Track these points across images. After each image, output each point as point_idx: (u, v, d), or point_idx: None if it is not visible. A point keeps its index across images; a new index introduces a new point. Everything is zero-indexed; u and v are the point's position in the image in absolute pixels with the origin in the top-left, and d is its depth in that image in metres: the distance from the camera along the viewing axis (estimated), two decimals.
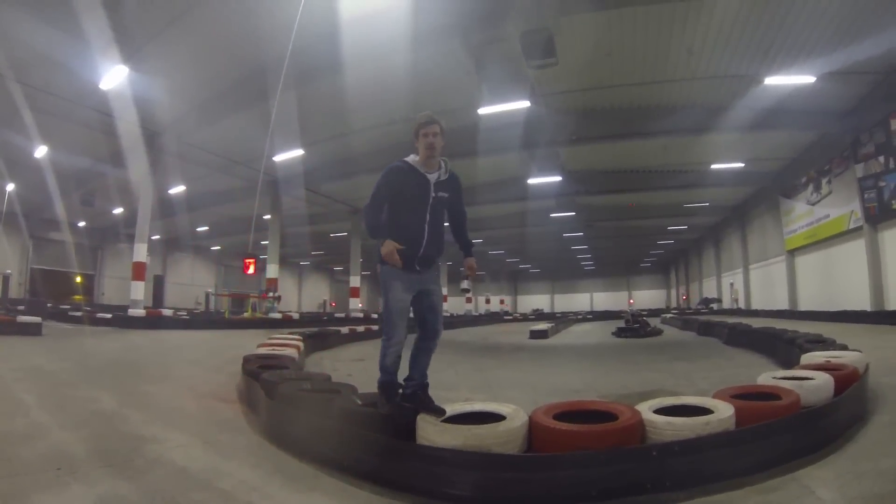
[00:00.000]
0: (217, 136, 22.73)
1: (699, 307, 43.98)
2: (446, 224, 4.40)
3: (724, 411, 3.75)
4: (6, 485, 3.50)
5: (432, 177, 4.12)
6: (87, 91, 17.97)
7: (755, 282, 37.66)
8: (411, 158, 4.15)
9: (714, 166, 26.30)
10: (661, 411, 3.86)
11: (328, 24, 14.32)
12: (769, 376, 5.09)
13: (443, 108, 18.85)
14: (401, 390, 4.22)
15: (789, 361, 7.86)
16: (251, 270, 29.49)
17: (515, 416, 3.82)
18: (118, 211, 35.93)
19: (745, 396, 4.20)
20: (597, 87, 18.48)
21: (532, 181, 26.41)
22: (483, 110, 17.71)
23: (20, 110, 19.56)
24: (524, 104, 17.16)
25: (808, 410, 4.16)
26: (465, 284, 4.48)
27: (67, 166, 27.38)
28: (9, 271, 37.25)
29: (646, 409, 3.87)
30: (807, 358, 6.38)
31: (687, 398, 4.27)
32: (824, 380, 4.65)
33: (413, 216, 4.11)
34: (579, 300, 72.02)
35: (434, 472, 3.52)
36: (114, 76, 16.27)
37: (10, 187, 30.81)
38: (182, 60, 17.19)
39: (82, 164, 27.71)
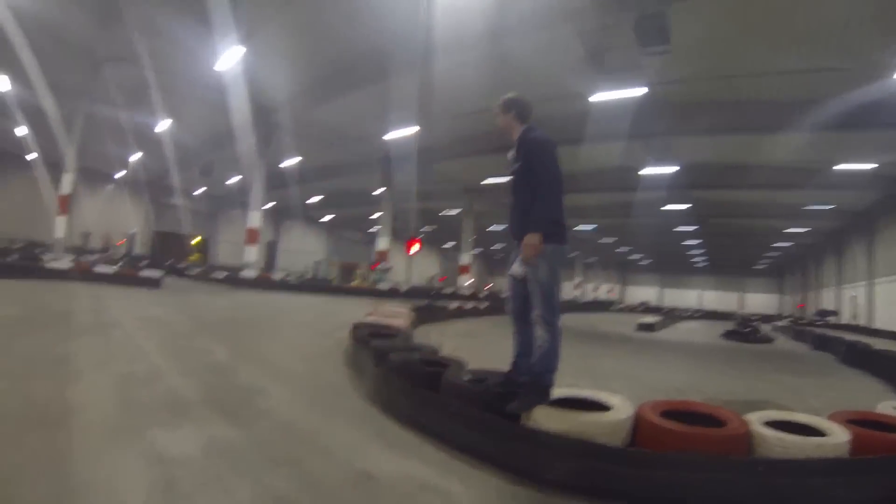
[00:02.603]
0: (331, 113, 23.41)
1: (815, 318, 41.00)
2: None
3: (839, 436, 3.45)
4: (126, 419, 3.84)
5: (511, 151, 4.32)
6: (206, 71, 19.12)
7: (881, 298, 33.69)
8: None
9: (840, 167, 23.92)
10: (770, 425, 3.61)
11: (446, 6, 14.41)
12: (890, 405, 4.64)
13: (555, 94, 18.68)
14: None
15: None
16: (415, 249, 30.33)
17: (622, 407, 3.76)
18: (234, 180, 38.03)
19: (862, 423, 3.76)
20: (714, 77, 17.35)
21: (645, 171, 25.53)
22: (595, 97, 17.25)
23: (147, 89, 21.69)
24: (639, 91, 16.58)
25: None
26: (514, 269, 3.86)
27: (187, 139, 29.99)
28: (134, 230, 40.45)
29: (755, 421, 3.64)
30: None
31: (799, 415, 3.93)
32: None
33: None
34: (687, 296, 69.08)
35: (535, 454, 3.50)
36: (230, 57, 17.05)
37: (136, 157, 34.15)
38: (297, 41, 17.86)
39: (201, 138, 30.06)
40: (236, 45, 16.48)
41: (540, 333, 3.92)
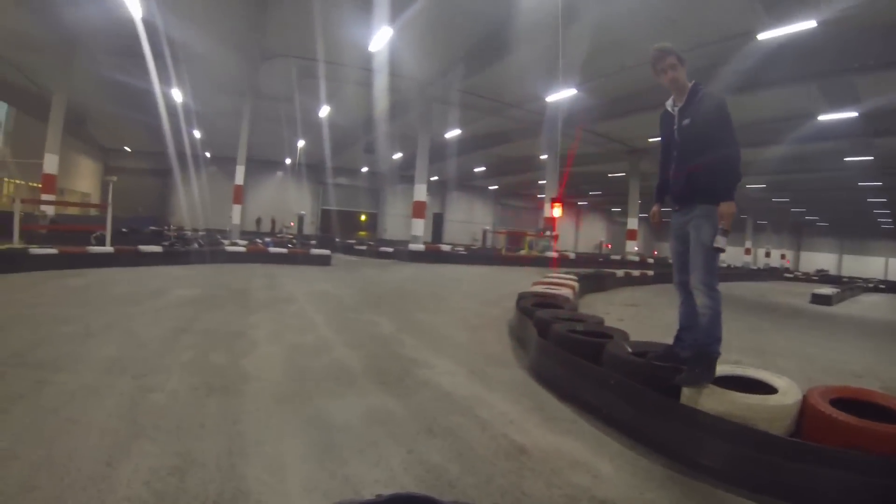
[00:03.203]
0: (486, 81, 23.42)
1: None
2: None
3: None
4: (296, 387, 4.17)
5: (677, 108, 4.03)
6: (359, 54, 19.84)
7: None
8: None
9: None
10: None
11: None
12: None
13: (717, 37, 17.30)
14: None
15: None
16: (557, 211, 30.05)
17: (789, 391, 3.41)
18: (397, 156, 39.42)
19: None
20: None
21: (822, 118, 22.95)
22: (763, 35, 15.69)
23: (307, 79, 23.41)
24: (811, 24, 14.82)
25: None
26: (718, 241, 3.58)
27: (348, 121, 31.62)
28: (303, 212, 43.47)
29: None
30: None
31: None
32: None
33: (664, 154, 4.23)
34: (872, 264, 60.58)
35: (691, 436, 3.32)
36: (381, 38, 17.48)
37: (301, 143, 36.98)
38: (444, 13, 17.88)
39: (362, 118, 31.32)
40: (385, 25, 16.87)
41: (702, 300, 3.72)
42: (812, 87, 19.87)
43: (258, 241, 21.66)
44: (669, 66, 3.94)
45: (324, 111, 27.38)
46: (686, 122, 3.92)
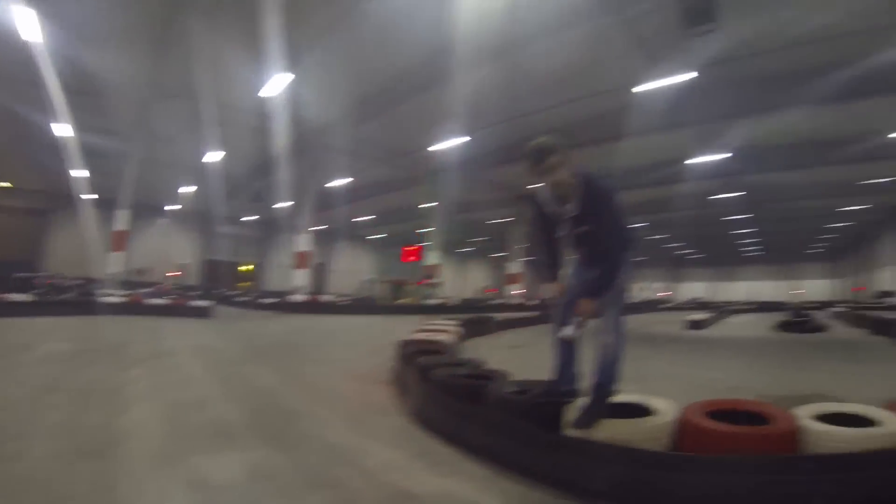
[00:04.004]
0: (377, 130, 23.77)
1: (874, 301, 39.15)
2: None
3: (892, 425, 3.30)
4: (172, 446, 3.97)
5: (569, 214, 3.70)
6: (253, 99, 19.57)
7: None
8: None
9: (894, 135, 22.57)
10: (821, 418, 3.47)
11: (478, 14, 14.46)
12: None
13: (599, 90, 18.55)
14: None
15: None
16: (415, 258, 30.30)
17: (664, 411, 3.68)
18: (283, 205, 38.83)
19: None
20: (764, 52, 16.80)
21: (693, 160, 24.99)
22: (639, 88, 16.98)
23: (194, 122, 22.33)
24: (685, 77, 16.26)
25: None
26: (565, 331, 3.63)
27: (236, 167, 30.65)
28: (187, 262, 41.77)
29: (804, 415, 3.51)
30: None
31: (851, 406, 3.76)
32: None
33: (545, 237, 4.06)
34: (739, 289, 67.35)
35: (576, 464, 3.45)
36: (276, 83, 17.44)
37: (186, 190, 35.38)
38: (340, 62, 18.21)
39: (250, 165, 30.66)
40: (282, 72, 16.83)
41: (608, 341, 3.80)
42: (687, 133, 21.46)
43: (138, 291, 20.61)
44: (553, 166, 3.49)
45: (213, 156, 26.60)
46: (583, 228, 3.71)
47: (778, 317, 22.90)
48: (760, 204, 35.67)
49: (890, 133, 21.89)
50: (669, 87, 16.59)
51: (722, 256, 65.31)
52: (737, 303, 46.33)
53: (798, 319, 19.76)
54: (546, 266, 4.10)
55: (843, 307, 32.28)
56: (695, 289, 69.69)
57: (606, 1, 14.25)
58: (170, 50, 17.51)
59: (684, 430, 3.52)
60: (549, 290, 4.06)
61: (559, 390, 4.07)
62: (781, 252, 61.19)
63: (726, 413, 3.69)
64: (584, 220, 3.64)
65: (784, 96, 18.42)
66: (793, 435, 3.33)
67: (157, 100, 21.26)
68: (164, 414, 4.85)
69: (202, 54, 17.04)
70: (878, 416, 3.49)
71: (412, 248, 29.44)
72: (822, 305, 37.42)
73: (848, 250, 57.69)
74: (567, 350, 4.10)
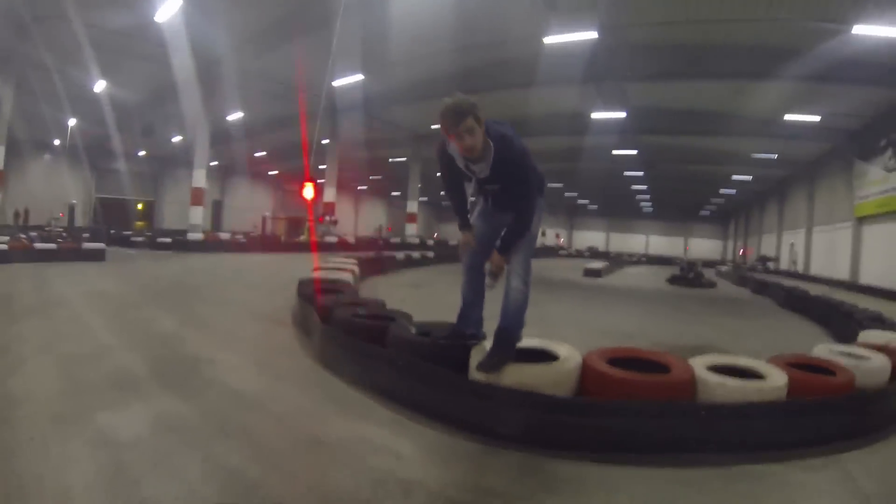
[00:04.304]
0: (274, 64, 22.77)
1: (756, 264, 42.40)
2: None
3: (777, 379, 3.61)
4: (72, 403, 3.69)
5: (480, 174, 3.69)
6: (144, 24, 18.13)
7: (817, 245, 34.83)
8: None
9: (787, 117, 24.15)
10: (713, 369, 3.74)
11: None
12: (826, 348, 4.77)
13: (505, 37, 18.46)
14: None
15: (845, 336, 7.43)
16: (310, 194, 29.59)
17: (570, 357, 3.77)
18: (177, 139, 36.78)
19: (799, 366, 3.97)
20: (669, 22, 17.22)
21: (595, 115, 25.54)
22: (548, 39, 17.02)
23: (81, 47, 20.29)
24: (592, 35, 16.44)
25: (862, 392, 3.94)
26: (487, 282, 3.67)
27: (127, 99, 28.55)
28: (74, 202, 39.01)
29: (699, 366, 3.76)
30: (865, 336, 5.94)
31: (741, 359, 4.09)
32: (882, 362, 4.30)
33: (456, 189, 4.03)
34: (635, 241, 70.30)
35: (484, 408, 3.51)
36: (168, 8, 16.22)
37: (73, 123, 32.31)
38: None
39: (141, 96, 28.69)
40: None
41: (516, 285, 3.75)
42: (589, 89, 21.78)
43: (22, 236, 19.13)
44: (466, 129, 3.32)
45: (100, 86, 24.65)
46: (493, 187, 3.73)
47: (670, 271, 24.14)
48: (654, 164, 37.09)
49: (785, 115, 23.31)
50: (575, 43, 16.74)
51: (618, 209, 67.46)
52: (631, 254, 48.58)
53: (688, 275, 20.88)
54: (457, 213, 4.04)
55: (729, 267, 34.71)
56: (590, 238, 71.93)
57: None
58: None
59: (588, 377, 3.64)
60: (461, 237, 3.99)
61: (464, 333, 4.11)
62: (674, 210, 64.02)
63: (627, 360, 3.86)
64: (493, 179, 3.64)
65: (685, 66, 19.08)
66: (690, 384, 3.55)
67: (35, 21, 19.16)
68: (61, 369, 4.50)
69: None
70: (764, 370, 3.80)
71: (310, 183, 28.62)
72: (711, 264, 39.80)
73: (737, 215, 61.28)
74: (472, 293, 4.13)
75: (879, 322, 7.63)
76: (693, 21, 16.80)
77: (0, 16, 18.33)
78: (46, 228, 28.54)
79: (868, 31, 15.08)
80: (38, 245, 16.05)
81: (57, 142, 37.36)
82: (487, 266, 3.82)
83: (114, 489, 2.54)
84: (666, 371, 3.67)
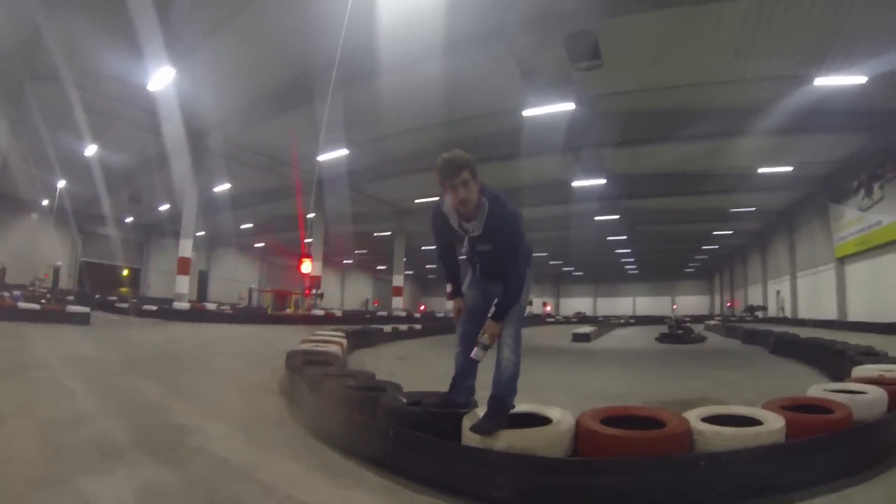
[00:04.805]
0: (262, 137, 23.29)
1: (744, 314, 42.85)
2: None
3: (774, 423, 3.60)
4: (52, 469, 3.56)
5: (472, 232, 3.75)
6: (136, 92, 18.57)
7: (802, 290, 36.17)
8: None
9: (761, 170, 25.24)
10: (708, 420, 3.72)
11: (372, 29, 14.64)
12: (820, 388, 4.81)
13: (487, 111, 19.08)
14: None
15: (839, 374, 7.53)
16: (308, 269, 29.63)
17: (563, 419, 3.73)
18: (164, 207, 37.06)
19: (795, 408, 3.99)
20: (642, 90, 18.11)
21: (576, 184, 26.14)
22: (528, 112, 17.63)
23: (72, 111, 20.61)
24: (569, 106, 17.09)
25: (860, 426, 3.94)
26: (476, 353, 3.67)
27: (116, 164, 28.76)
28: (59, 263, 38.82)
29: (693, 418, 3.73)
30: (858, 371, 6.06)
31: (735, 408, 4.10)
32: (878, 394, 4.38)
33: (446, 253, 4.16)
34: (622, 304, 71.15)
35: (478, 473, 3.45)
36: (161, 78, 16.69)
37: (62, 184, 32.37)
38: (229, 64, 17.73)
39: (130, 163, 29.04)
40: (167, 65, 16.07)
41: (507, 356, 3.82)
42: (569, 157, 22.36)
43: (5, 294, 18.89)
44: (462, 182, 3.43)
45: (91, 150, 24.87)
46: (485, 248, 3.76)
47: (658, 329, 24.18)
48: (636, 227, 37.87)
49: (758, 168, 24.28)
50: (553, 115, 17.32)
51: (604, 273, 68.28)
52: (619, 317, 48.80)
53: (677, 331, 20.89)
54: (449, 280, 4.15)
55: (717, 320, 34.96)
56: (577, 304, 72.30)
57: (496, 29, 14.65)
58: (48, 27, 16.10)
59: (582, 437, 3.60)
60: (451, 304, 4.07)
61: (455, 402, 4.07)
62: (659, 270, 64.93)
63: (620, 419, 3.81)
64: (485, 239, 3.70)
65: (659, 131, 19.81)
66: (685, 436, 3.49)
67: (32, 81, 19.37)
68: (39, 433, 4.37)
69: (81, 36, 15.95)
70: (759, 416, 3.78)
71: (308, 259, 28.81)
72: (699, 319, 39.99)
73: (721, 268, 62.29)
74: (465, 363, 4.11)
75: (871, 356, 7.70)
76: (663, 87, 17.53)
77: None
78: (30, 288, 28.24)
79: (827, 81, 16.43)
80: (21, 304, 15.87)
81: (45, 202, 37.23)
82: (481, 336, 3.80)
83: None
84: (661, 426, 3.61)
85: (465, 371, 4.14)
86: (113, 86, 19.23)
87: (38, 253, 38.68)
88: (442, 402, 4.15)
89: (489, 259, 3.83)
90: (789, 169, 25.26)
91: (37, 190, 34.26)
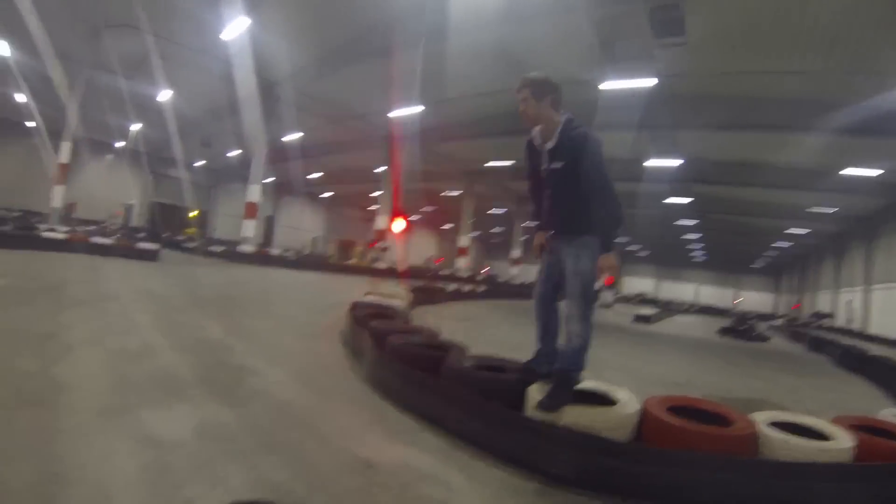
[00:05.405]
0: (334, 89, 23.26)
1: (810, 320, 40.99)
2: None
3: (843, 441, 3.33)
4: (120, 397, 3.70)
5: (547, 147, 3.91)
6: (211, 41, 18.79)
7: (877, 304, 33.47)
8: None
9: (846, 171, 23.64)
10: (775, 426, 3.49)
11: None
12: (891, 413, 4.43)
13: (561, 80, 18.50)
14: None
15: None
16: (400, 225, 29.91)
17: (629, 402, 3.65)
18: (234, 153, 37.78)
19: (866, 429, 3.66)
20: (726, 73, 17.11)
21: (649, 163, 25.35)
22: (604, 86, 17.07)
23: (148, 57, 21.30)
24: (649, 82, 16.44)
25: None
26: (605, 297, 3.58)
27: (188, 110, 29.79)
28: (132, 202, 40.38)
29: (760, 421, 3.53)
30: None
31: (803, 417, 3.82)
32: None
33: (534, 185, 4.18)
34: (684, 290, 68.99)
35: (538, 446, 3.39)
36: (236, 27, 16.81)
37: (136, 127, 33.84)
38: (302, 15, 17.63)
39: (202, 109, 29.75)
40: (242, 15, 16.23)
41: (575, 328, 3.74)
42: (646, 135, 21.70)
43: (81, 229, 19.72)
44: (522, 98, 3.84)
45: (164, 95, 25.61)
46: (557, 165, 3.82)
47: (720, 321, 23.56)
48: (707, 213, 36.57)
49: (841, 170, 22.79)
50: (631, 90, 16.76)
51: (669, 257, 66.51)
52: (681, 303, 47.66)
53: (741, 327, 20.29)
54: (533, 215, 4.26)
55: (781, 321, 33.53)
56: (639, 284, 70.98)
57: None
58: None
59: (647, 423, 3.50)
60: (535, 239, 4.18)
61: (535, 371, 4.01)
62: (725, 260, 62.83)
63: (686, 409, 3.69)
64: (558, 154, 3.82)
65: (739, 117, 18.87)
66: (752, 439, 3.33)
67: (108, 27, 20.12)
68: (107, 363, 4.54)
69: None
70: (829, 431, 3.53)
71: (401, 217, 29.15)
72: (763, 317, 38.64)
73: (790, 269, 59.66)
74: (542, 328, 4.08)
75: None
76: (747, 72, 16.56)
77: (73, 20, 19.15)
78: (104, 224, 29.51)
79: None
80: (95, 239, 16.52)
81: (120, 144, 39.25)
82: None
83: (155, 487, 2.52)
84: (726, 424, 3.47)
85: (545, 337, 4.09)
86: (188, 33, 19.60)
87: (113, 192, 40.66)
88: (523, 370, 4.11)
89: (561, 180, 3.83)
90: (876, 173, 23.49)
91: (112, 132, 36.21)
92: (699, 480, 3.07)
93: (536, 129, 3.96)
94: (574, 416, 3.41)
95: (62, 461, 2.64)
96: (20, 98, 26.70)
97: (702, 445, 3.19)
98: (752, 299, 65.18)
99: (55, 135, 24.49)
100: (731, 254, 58.00)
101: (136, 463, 2.73)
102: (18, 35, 19.45)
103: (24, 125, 31.47)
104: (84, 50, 21.60)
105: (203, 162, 44.52)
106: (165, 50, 20.81)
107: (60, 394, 3.61)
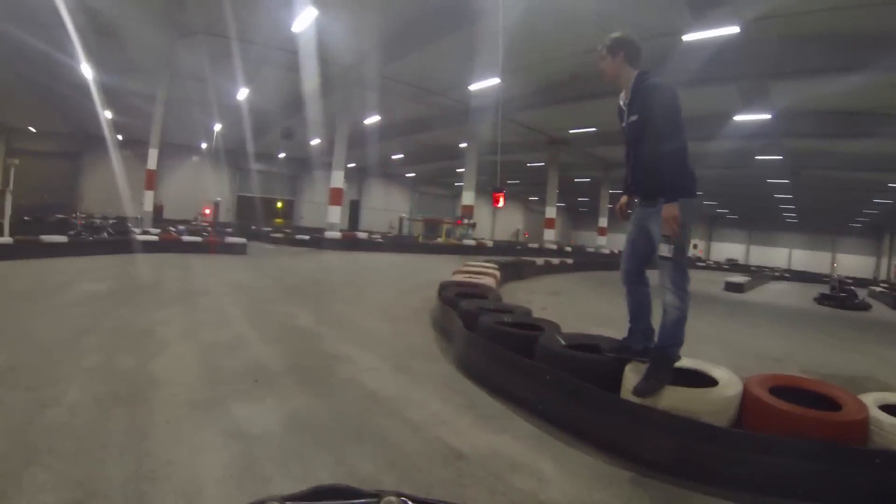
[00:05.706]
0: (409, 68, 23.17)
1: None
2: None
3: None
4: (211, 391, 3.80)
5: (625, 103, 3.87)
6: (283, 35, 19.06)
7: None
8: None
9: None
10: (886, 409, 3.09)
11: None
12: None
13: (643, 35, 17.67)
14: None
15: None
16: (500, 203, 29.92)
17: (730, 383, 3.39)
18: (315, 142, 38.52)
19: None
20: (816, 10, 15.64)
21: (737, 118, 23.98)
22: (687, 37, 16.19)
23: (225, 59, 21.95)
24: (733, 30, 15.46)
25: None
26: (661, 249, 3.33)
27: (266, 105, 30.59)
28: (219, 199, 41.94)
29: (870, 404, 3.14)
30: None
31: None
32: None
33: (627, 147, 3.99)
34: (777, 255, 64.95)
35: (635, 431, 3.22)
36: (305, 18, 17.00)
37: (218, 127, 35.22)
38: None
39: (280, 102, 30.34)
40: (309, 6, 16.40)
41: (670, 299, 3.50)
42: (730, 89, 20.60)
43: (171, 229, 20.68)
44: (601, 56, 3.88)
45: (242, 94, 26.42)
46: (633, 118, 3.73)
47: (817, 288, 22.31)
48: (801, 171, 34.34)
49: None
50: (714, 39, 15.85)
51: (760, 220, 63.22)
52: (774, 269, 45.19)
53: (839, 294, 19.06)
54: (625, 179, 4.09)
55: (882, 287, 30.74)
56: (729, 249, 68.13)
57: None
58: None
59: (748, 405, 3.25)
60: (621, 206, 4.15)
61: (630, 348, 3.82)
62: (820, 221, 58.70)
63: (790, 390, 3.40)
64: (634, 107, 3.75)
65: (842, 59, 17.33)
66: (863, 424, 3.00)
67: (180, 37, 20.84)
68: (199, 356, 4.69)
69: None
70: None
71: (498, 193, 29.11)
72: (863, 283, 36.13)
73: (893, 228, 55.12)
74: (633, 304, 3.87)
75: None
76: (844, 7, 15.07)
77: (153, 30, 19.96)
78: (193, 223, 30.82)
79: None
80: (186, 238, 17.21)
81: (203, 145, 41.15)
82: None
83: (243, 483, 2.52)
84: (835, 407, 3.14)
85: (638, 313, 3.86)
86: (260, 31, 19.98)
87: (200, 191, 42.48)
88: (618, 348, 3.93)
89: (639, 135, 3.70)
90: None
91: (197, 135, 38.32)
92: (801, 470, 2.80)
93: (623, 91, 3.90)
94: (673, 400, 3.20)
95: (153, 458, 2.69)
96: (108, 114, 28.36)
97: (808, 431, 2.89)
98: (850, 263, 60.70)
99: (142, 144, 25.68)
100: (827, 213, 54.04)
101: (224, 457, 2.76)
102: (103, 55, 20.51)
103: (115, 138, 33.44)
104: (163, 60, 22.50)
105: (285, 153, 45.58)
106: (241, 50, 21.35)
107: (155, 389, 3.74)
